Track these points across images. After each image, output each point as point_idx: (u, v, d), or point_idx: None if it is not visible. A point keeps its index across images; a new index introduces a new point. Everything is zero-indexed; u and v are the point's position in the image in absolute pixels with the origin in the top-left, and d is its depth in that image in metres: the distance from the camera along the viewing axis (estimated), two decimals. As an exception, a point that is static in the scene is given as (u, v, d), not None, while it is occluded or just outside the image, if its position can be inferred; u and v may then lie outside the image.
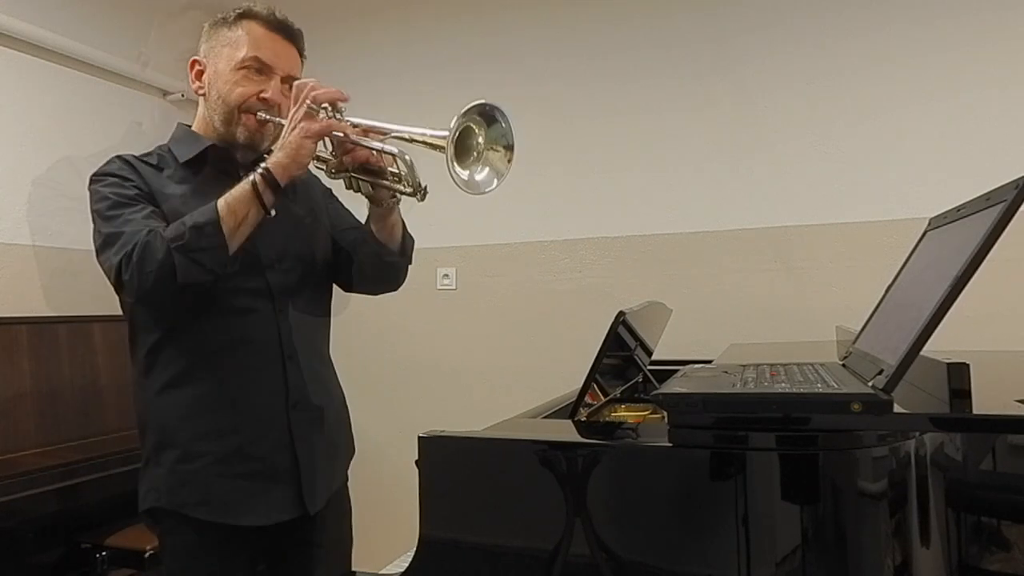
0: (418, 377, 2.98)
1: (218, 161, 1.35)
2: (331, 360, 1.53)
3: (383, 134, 1.26)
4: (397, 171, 1.29)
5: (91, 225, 1.29)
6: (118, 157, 1.33)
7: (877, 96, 2.41)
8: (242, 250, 1.24)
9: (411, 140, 1.22)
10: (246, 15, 1.35)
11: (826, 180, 2.46)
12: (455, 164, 1.15)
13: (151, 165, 1.34)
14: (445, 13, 2.98)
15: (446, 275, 2.94)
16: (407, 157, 1.24)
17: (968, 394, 0.99)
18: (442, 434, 1.17)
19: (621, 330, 1.44)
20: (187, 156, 1.35)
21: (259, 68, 1.34)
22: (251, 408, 1.32)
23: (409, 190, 1.27)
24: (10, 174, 2.48)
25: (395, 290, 1.54)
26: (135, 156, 1.35)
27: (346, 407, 1.55)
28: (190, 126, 1.41)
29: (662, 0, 2.67)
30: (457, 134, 1.15)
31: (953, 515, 0.99)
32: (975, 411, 1.00)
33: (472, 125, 1.19)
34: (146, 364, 1.32)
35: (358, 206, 1.51)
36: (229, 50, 1.33)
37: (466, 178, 1.19)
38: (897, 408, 0.96)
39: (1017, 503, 0.99)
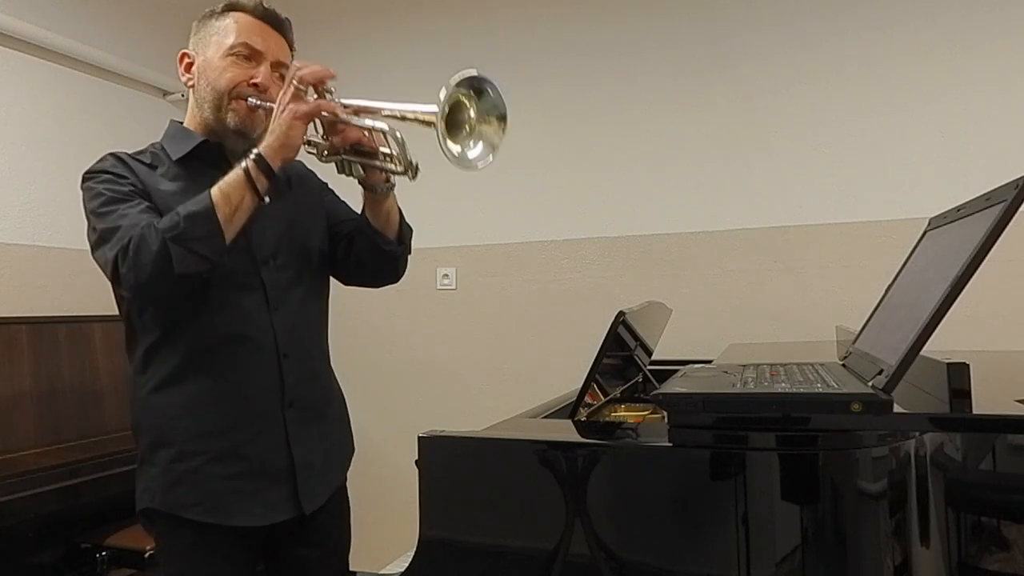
0: (418, 377, 2.98)
1: (210, 156, 1.34)
2: (329, 357, 1.51)
3: (373, 113, 1.24)
4: (389, 151, 1.26)
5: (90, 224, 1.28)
6: (111, 154, 1.32)
7: (877, 96, 2.41)
8: (237, 240, 1.22)
9: (402, 118, 1.19)
10: (234, 6, 1.35)
11: (826, 180, 2.46)
12: (447, 140, 1.13)
13: (144, 163, 1.33)
14: (445, 13, 2.98)
15: (446, 275, 2.94)
16: (398, 134, 1.22)
17: (968, 394, 0.99)
18: (442, 434, 1.17)
19: (621, 330, 1.44)
20: (180, 153, 1.34)
21: (248, 55, 1.33)
22: (246, 407, 1.30)
23: (400, 169, 1.25)
24: (10, 174, 2.48)
25: (395, 281, 1.50)
26: (128, 153, 1.34)
27: (345, 405, 1.53)
28: (182, 122, 1.40)
29: (662, 0, 2.67)
30: (447, 108, 1.12)
31: (953, 515, 0.99)
32: (975, 411, 1.00)
33: (463, 99, 1.16)
34: (142, 363, 1.31)
35: (357, 199, 1.48)
36: (218, 38, 1.33)
37: (457, 154, 1.16)
38: (897, 408, 0.96)
39: (1017, 503, 0.99)
